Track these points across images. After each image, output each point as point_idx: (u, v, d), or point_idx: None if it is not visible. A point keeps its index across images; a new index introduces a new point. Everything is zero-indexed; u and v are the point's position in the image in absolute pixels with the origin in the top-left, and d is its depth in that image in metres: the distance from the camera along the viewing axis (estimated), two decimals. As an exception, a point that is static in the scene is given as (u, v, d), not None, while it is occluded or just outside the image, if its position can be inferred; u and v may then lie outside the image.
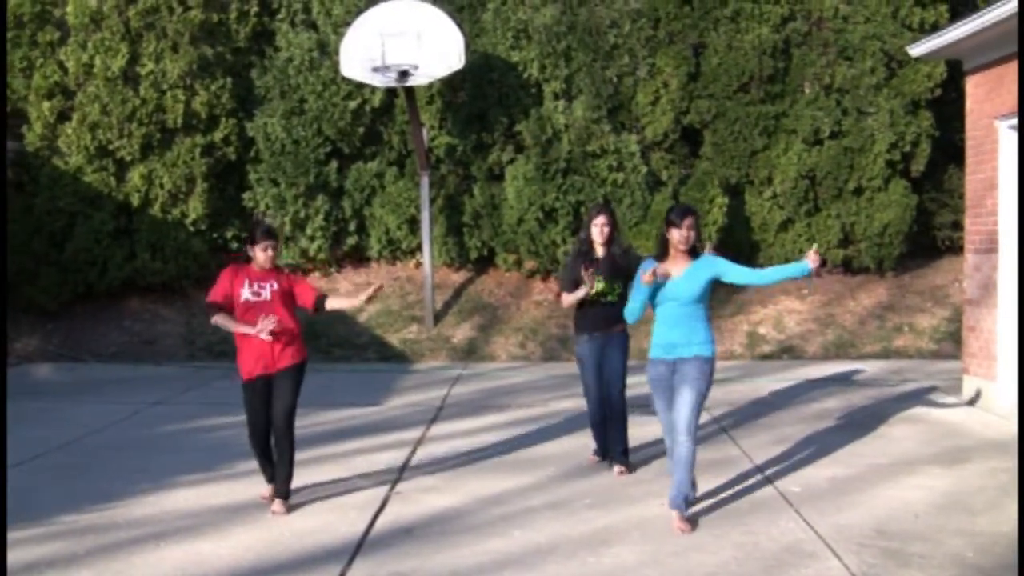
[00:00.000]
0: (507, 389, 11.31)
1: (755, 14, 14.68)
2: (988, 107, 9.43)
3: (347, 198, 15.04)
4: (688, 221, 6.02)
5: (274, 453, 6.44)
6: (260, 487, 6.63)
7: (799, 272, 6.00)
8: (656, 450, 7.84)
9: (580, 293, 7.12)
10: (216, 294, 6.38)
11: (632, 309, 6.17)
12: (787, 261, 14.76)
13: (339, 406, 10.15)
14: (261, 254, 6.36)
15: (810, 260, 5.84)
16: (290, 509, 6.35)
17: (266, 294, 6.35)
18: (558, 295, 7.48)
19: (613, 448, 7.33)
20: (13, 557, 5.33)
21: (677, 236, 6.01)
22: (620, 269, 7.15)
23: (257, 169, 14.86)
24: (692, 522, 5.88)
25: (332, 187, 14.91)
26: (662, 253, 6.09)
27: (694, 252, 6.10)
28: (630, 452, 7.35)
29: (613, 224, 7.29)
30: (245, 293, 6.34)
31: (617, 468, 7.20)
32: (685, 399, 5.90)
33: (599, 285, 7.09)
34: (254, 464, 7.35)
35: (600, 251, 7.25)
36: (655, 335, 6.10)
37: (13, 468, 7.35)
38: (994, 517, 5.98)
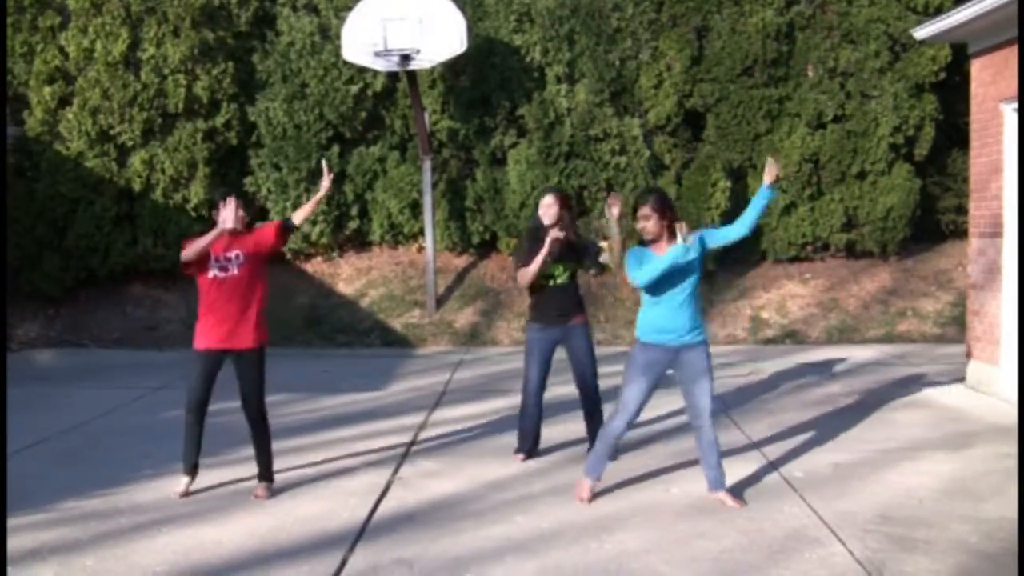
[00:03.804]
0: (509, 374, 11.28)
1: (759, -3, 14.61)
2: (993, 90, 9.37)
3: (349, 182, 15.01)
4: (642, 210, 5.80)
5: (251, 442, 6.45)
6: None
7: (767, 198, 5.82)
8: (658, 438, 7.84)
9: (539, 259, 6.76)
10: (187, 246, 6.17)
11: (643, 274, 5.77)
12: (790, 246, 14.80)
13: (341, 391, 10.15)
14: (227, 211, 6.07)
15: (767, 177, 5.74)
16: (273, 493, 6.36)
17: (234, 268, 6.18)
18: (517, 268, 7.20)
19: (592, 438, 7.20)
20: (16, 543, 5.33)
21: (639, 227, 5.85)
22: (571, 251, 6.93)
23: (259, 154, 14.84)
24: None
25: (334, 172, 14.85)
26: (651, 242, 5.88)
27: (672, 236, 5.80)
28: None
29: (564, 206, 6.96)
30: (213, 270, 6.19)
31: (520, 455, 7.14)
32: (705, 387, 5.95)
33: (557, 269, 6.92)
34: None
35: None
36: (653, 319, 5.90)
37: (16, 454, 7.35)
38: (999, 503, 5.96)
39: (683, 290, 5.84)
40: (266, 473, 6.44)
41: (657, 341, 5.89)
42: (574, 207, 7.55)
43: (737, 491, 6.16)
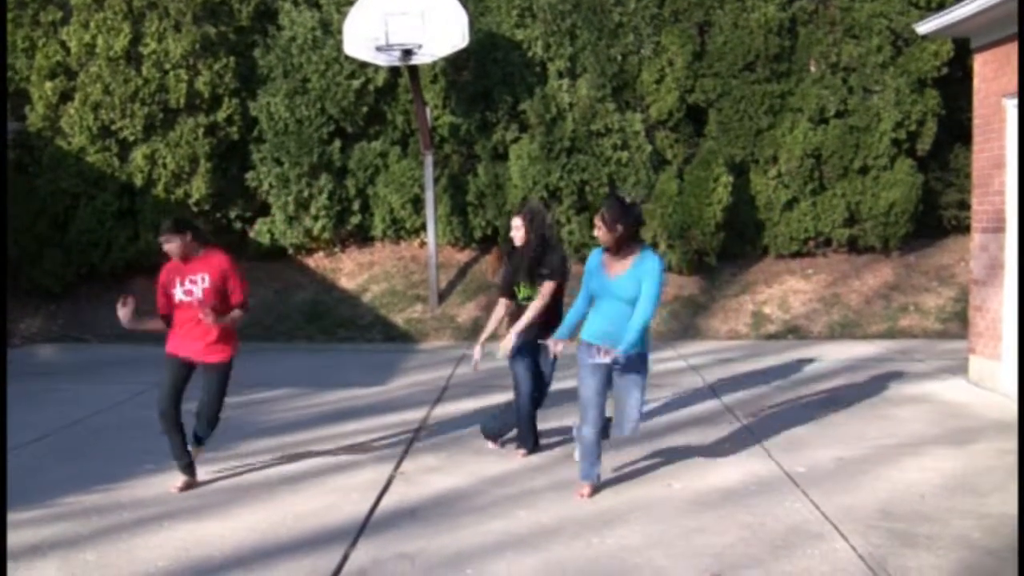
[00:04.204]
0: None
1: (761, -8, 14.59)
2: (996, 85, 9.35)
3: (351, 177, 15.00)
4: (596, 218, 5.93)
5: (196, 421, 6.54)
6: (263, 467, 6.61)
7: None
8: (658, 434, 7.84)
9: (490, 328, 7.24)
10: (160, 306, 6.34)
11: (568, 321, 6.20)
12: (792, 241, 14.80)
13: (343, 386, 10.14)
14: (165, 247, 6.25)
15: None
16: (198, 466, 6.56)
17: (197, 292, 6.21)
18: (499, 293, 7.31)
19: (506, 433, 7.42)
20: (17, 538, 5.33)
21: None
22: (544, 271, 6.88)
23: (260, 149, 14.82)
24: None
25: (336, 166, 14.87)
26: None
27: (628, 246, 5.91)
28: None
29: (531, 229, 6.90)
30: (178, 294, 6.24)
31: (522, 451, 7.22)
32: (635, 398, 6.06)
33: (524, 290, 6.96)
34: (257, 445, 7.38)
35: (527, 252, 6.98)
36: (596, 325, 6.03)
37: (17, 449, 7.35)
38: (1001, 498, 5.95)
39: (623, 309, 5.88)
40: (205, 438, 6.59)
41: (598, 342, 5.97)
42: (550, 223, 7.37)
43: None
